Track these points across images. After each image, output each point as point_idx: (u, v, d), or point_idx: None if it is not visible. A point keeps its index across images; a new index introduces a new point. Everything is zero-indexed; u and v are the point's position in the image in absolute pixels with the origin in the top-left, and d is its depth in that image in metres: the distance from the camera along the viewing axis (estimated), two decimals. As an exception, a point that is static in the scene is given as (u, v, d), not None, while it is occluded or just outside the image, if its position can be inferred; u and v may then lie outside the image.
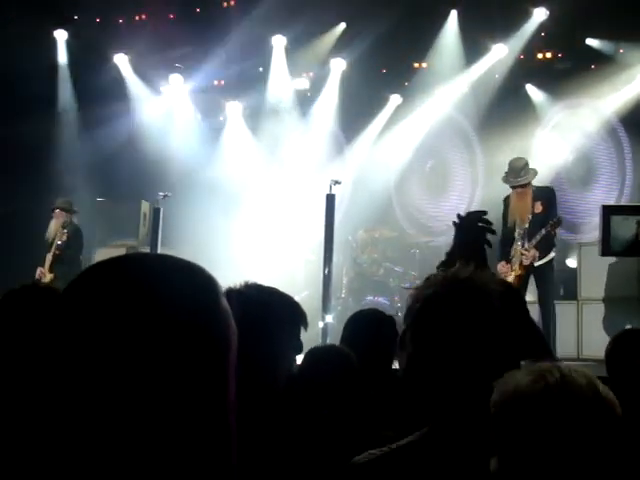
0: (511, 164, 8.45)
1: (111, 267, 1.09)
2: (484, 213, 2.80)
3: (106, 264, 1.10)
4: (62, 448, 1.01)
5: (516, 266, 8.13)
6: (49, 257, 9.96)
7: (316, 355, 3.25)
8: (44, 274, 9.89)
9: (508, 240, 8.22)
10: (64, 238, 9.93)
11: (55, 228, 10.04)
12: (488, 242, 2.73)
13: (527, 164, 8.43)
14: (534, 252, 8.11)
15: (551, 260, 8.31)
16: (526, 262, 8.08)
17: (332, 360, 3.17)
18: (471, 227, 2.76)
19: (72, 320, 1.04)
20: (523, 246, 8.19)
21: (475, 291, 1.99)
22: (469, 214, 2.81)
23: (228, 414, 1.09)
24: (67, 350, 1.03)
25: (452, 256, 2.69)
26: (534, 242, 8.11)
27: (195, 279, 1.10)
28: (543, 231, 8.05)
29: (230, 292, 2.24)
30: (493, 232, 2.78)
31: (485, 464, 1.77)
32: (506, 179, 8.44)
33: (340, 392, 3.03)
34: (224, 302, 1.11)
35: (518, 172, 8.31)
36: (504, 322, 2.00)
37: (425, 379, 1.98)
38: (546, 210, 8.25)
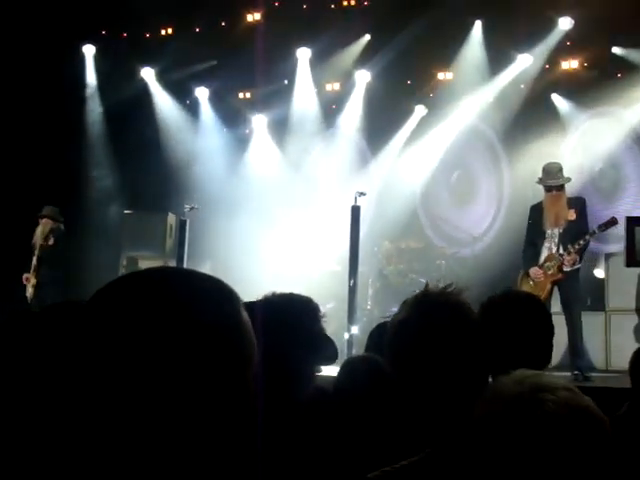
0: (547, 167, 8.37)
1: (135, 280, 1.12)
2: None
3: (130, 278, 1.13)
4: (94, 448, 1.04)
5: (553, 270, 7.98)
6: (34, 261, 10.16)
7: (353, 366, 3.19)
8: (29, 280, 10.12)
9: (536, 246, 8.12)
10: (50, 242, 10.16)
11: (41, 234, 10.21)
12: None
13: (562, 168, 8.36)
14: (575, 257, 7.99)
15: (579, 268, 8.22)
16: (567, 267, 7.96)
17: (370, 370, 3.11)
18: None
19: (100, 329, 1.06)
20: (558, 250, 8.07)
21: (445, 308, 1.97)
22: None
23: (249, 420, 1.11)
24: (95, 358, 1.05)
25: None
26: (577, 247, 7.99)
27: (217, 293, 1.12)
28: (587, 236, 7.96)
29: (252, 305, 2.19)
30: None
31: None
32: (542, 181, 8.34)
33: (377, 403, 2.97)
34: (244, 315, 1.13)
35: (555, 174, 8.24)
36: (479, 333, 1.98)
37: (414, 402, 1.96)
38: (579, 218, 8.16)
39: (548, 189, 8.29)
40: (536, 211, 8.34)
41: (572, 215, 8.17)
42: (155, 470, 1.03)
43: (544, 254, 8.10)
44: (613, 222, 8.01)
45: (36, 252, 10.14)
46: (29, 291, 10.14)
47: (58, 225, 10.35)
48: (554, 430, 1.45)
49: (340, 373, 3.10)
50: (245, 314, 1.14)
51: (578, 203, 8.37)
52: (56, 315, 2.40)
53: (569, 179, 8.38)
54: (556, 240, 8.14)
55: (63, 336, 2.27)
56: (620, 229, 10.01)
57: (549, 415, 1.45)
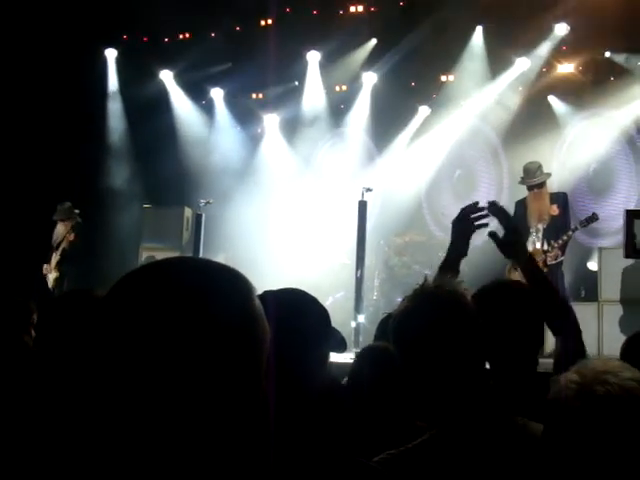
0: (526, 167, 8.52)
1: (154, 270, 1.10)
2: (476, 206, 2.86)
3: (149, 268, 1.11)
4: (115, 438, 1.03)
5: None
6: (55, 256, 10.28)
7: (369, 354, 3.16)
8: (50, 270, 10.26)
9: None
10: (71, 238, 10.27)
11: (62, 232, 10.35)
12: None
13: (541, 166, 8.48)
14: (557, 252, 8.10)
15: (562, 261, 8.31)
16: (550, 262, 8.06)
17: (385, 358, 3.11)
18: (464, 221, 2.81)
19: (118, 319, 1.04)
20: (542, 246, 8.17)
21: (444, 298, 2.00)
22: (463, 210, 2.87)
23: (262, 408, 1.10)
24: (115, 348, 1.03)
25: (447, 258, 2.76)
26: (560, 242, 8.08)
27: (231, 281, 1.11)
28: (570, 232, 8.04)
29: (265, 295, 2.22)
30: (485, 225, 2.84)
31: (492, 463, 1.80)
32: (523, 181, 8.47)
33: (391, 389, 2.98)
34: (257, 303, 1.12)
35: (534, 173, 8.38)
36: (477, 321, 2.00)
37: (419, 388, 2.01)
38: (562, 213, 8.26)
39: (530, 188, 8.40)
40: (521, 206, 8.44)
41: (555, 210, 8.28)
42: (170, 459, 1.01)
43: (529, 248, 8.21)
44: (594, 218, 8.13)
45: (60, 249, 10.25)
46: (50, 282, 10.28)
47: (76, 220, 10.45)
48: (605, 411, 1.51)
49: (355, 361, 3.11)
50: (258, 303, 1.12)
51: (559, 198, 8.47)
52: (66, 303, 2.49)
53: (549, 175, 8.49)
54: (540, 235, 8.25)
55: (74, 323, 2.35)
56: (613, 224, 10.13)
57: (603, 397, 1.52)
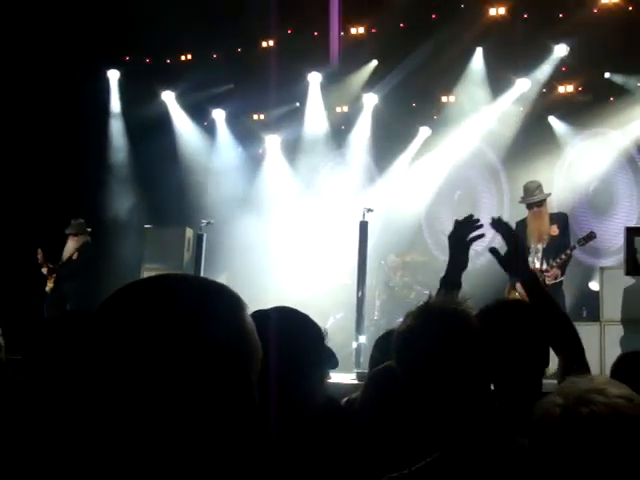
0: (526, 185, 8.53)
1: (144, 286, 1.11)
2: (470, 218, 2.85)
3: (140, 283, 1.11)
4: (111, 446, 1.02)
5: None
6: (53, 271, 10.36)
7: (381, 377, 3.09)
8: (49, 276, 10.31)
9: None
10: (74, 257, 10.36)
11: (71, 249, 10.44)
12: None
13: (540, 185, 8.49)
14: (557, 271, 8.06)
15: (562, 281, 8.27)
16: (549, 281, 8.02)
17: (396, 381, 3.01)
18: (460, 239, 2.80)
19: (110, 333, 1.05)
20: (541, 265, 8.15)
21: (449, 315, 1.97)
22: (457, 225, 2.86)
23: (253, 423, 1.09)
24: (100, 360, 1.04)
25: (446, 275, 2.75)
26: (559, 261, 8.05)
27: (221, 298, 1.11)
28: (569, 251, 8.02)
29: (259, 313, 2.18)
30: (482, 235, 2.83)
31: None
32: (524, 199, 8.46)
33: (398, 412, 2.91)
34: (249, 319, 1.12)
35: (533, 191, 8.40)
36: (482, 340, 1.97)
37: (423, 408, 1.96)
38: (562, 233, 8.24)
39: (529, 206, 8.39)
40: (521, 227, 8.44)
41: (554, 230, 8.27)
42: (158, 472, 1.01)
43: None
44: (591, 237, 8.10)
45: (53, 266, 10.31)
46: (49, 286, 10.33)
47: (87, 239, 10.49)
48: (590, 433, 1.43)
49: (368, 385, 2.97)
50: (249, 319, 1.12)
51: (560, 219, 8.47)
52: (63, 323, 2.46)
53: (548, 194, 8.50)
54: (539, 255, 8.23)
55: (70, 342, 2.33)
56: (613, 244, 10.11)
57: (588, 418, 1.44)
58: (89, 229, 10.67)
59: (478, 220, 2.84)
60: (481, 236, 2.84)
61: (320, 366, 2.29)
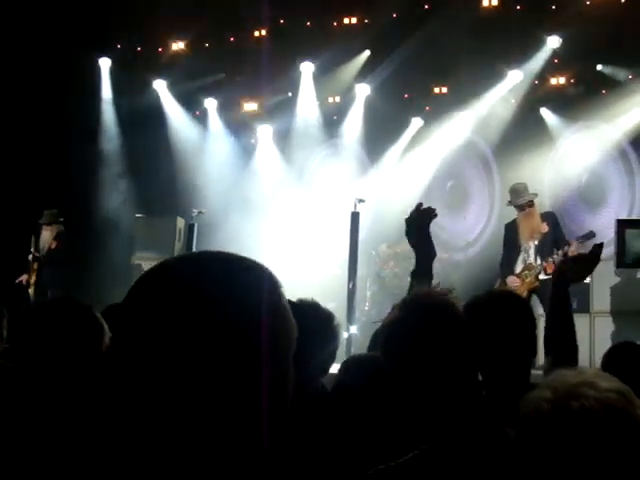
0: (514, 187, 8.57)
1: (175, 266, 1.07)
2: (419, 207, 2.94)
3: (166, 267, 1.07)
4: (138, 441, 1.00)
5: (531, 278, 8.11)
6: (34, 265, 10.30)
7: (354, 363, 3.11)
8: (29, 280, 10.27)
9: (513, 261, 8.25)
10: (53, 246, 10.29)
11: (48, 238, 10.37)
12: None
13: (527, 187, 8.52)
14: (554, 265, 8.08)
15: None
16: (543, 276, 8.04)
17: (371, 368, 3.06)
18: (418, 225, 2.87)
19: (140, 322, 1.02)
20: (535, 262, 8.19)
21: (434, 307, 1.97)
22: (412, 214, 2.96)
23: (287, 404, 1.07)
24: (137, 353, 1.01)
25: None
26: (556, 257, 8.07)
27: (258, 278, 1.08)
28: (572, 246, 8.04)
29: None
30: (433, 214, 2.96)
31: (483, 476, 1.75)
32: (513, 201, 8.48)
33: (377, 400, 2.93)
34: (284, 300, 1.10)
35: (522, 192, 8.43)
36: (468, 330, 1.97)
37: (409, 399, 1.96)
38: (553, 230, 8.29)
39: (520, 208, 8.42)
40: (510, 229, 8.52)
41: (545, 228, 8.32)
42: (177, 455, 0.98)
43: (519, 266, 8.25)
44: (591, 235, 8.12)
45: (39, 255, 10.25)
46: (31, 290, 10.23)
47: (61, 228, 10.43)
48: (583, 427, 1.40)
49: (341, 371, 2.99)
50: (284, 299, 1.10)
51: (549, 217, 8.53)
52: (49, 311, 2.46)
53: (535, 194, 8.55)
54: (531, 252, 8.28)
55: (56, 330, 2.33)
56: (604, 236, 10.10)
57: (579, 412, 1.41)
58: (61, 219, 10.56)
59: (430, 207, 2.95)
60: (433, 214, 2.94)
61: (327, 346, 2.31)
